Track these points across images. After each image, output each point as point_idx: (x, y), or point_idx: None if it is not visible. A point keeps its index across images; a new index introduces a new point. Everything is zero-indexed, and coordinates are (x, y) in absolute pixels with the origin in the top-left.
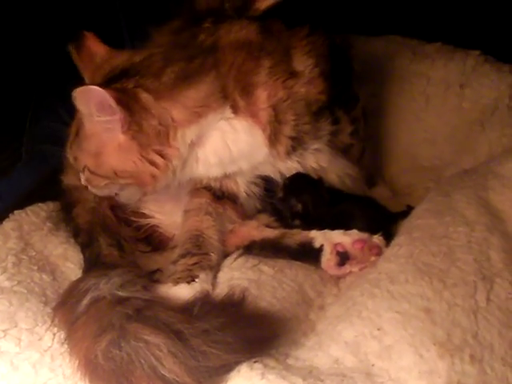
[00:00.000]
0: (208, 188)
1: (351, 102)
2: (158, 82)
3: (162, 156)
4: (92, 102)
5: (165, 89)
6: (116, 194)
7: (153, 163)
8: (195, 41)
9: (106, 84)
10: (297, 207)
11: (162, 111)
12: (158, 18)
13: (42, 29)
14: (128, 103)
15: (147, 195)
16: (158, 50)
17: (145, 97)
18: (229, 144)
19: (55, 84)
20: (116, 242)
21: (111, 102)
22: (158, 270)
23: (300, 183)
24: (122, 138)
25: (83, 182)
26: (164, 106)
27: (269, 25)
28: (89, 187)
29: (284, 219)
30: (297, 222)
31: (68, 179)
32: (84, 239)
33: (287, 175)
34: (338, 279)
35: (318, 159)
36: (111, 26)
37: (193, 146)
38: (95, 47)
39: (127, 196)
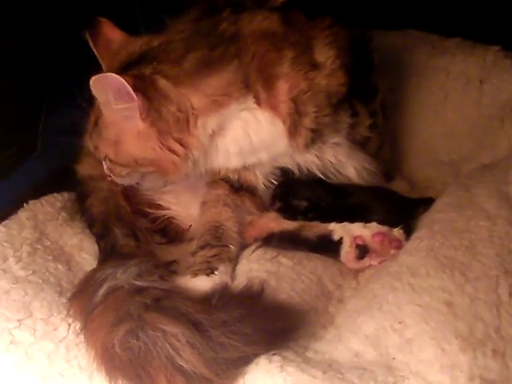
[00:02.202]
0: (226, 179)
1: (370, 95)
2: (178, 68)
3: (182, 144)
4: (109, 90)
5: (185, 75)
6: (137, 183)
7: (172, 151)
8: (217, 29)
9: (123, 70)
10: (301, 205)
11: (182, 98)
12: (173, 7)
13: (56, 16)
14: (146, 90)
15: (168, 185)
16: (178, 36)
17: (163, 83)
18: (250, 134)
19: (72, 72)
20: (131, 233)
21: (128, 88)
22: (174, 261)
23: (291, 186)
24: (141, 125)
25: (106, 171)
26: (183, 92)
27: (290, 15)
28: (111, 176)
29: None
30: (310, 215)
31: (83, 169)
32: (99, 230)
33: (305, 168)
34: (356, 272)
35: (336, 153)
36: (126, 14)
37: (213, 135)
38: (111, 33)
39: (149, 185)
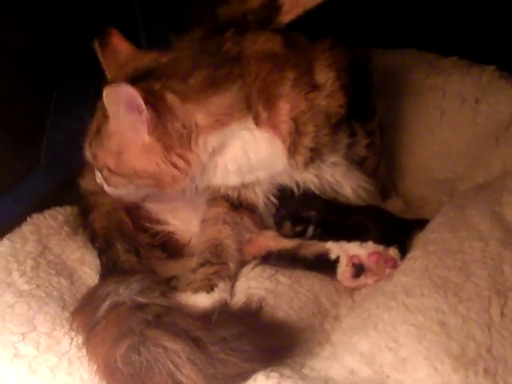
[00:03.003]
0: (225, 197)
1: (368, 115)
2: (185, 84)
3: (184, 160)
4: (121, 100)
5: (191, 92)
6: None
7: (175, 166)
8: (221, 49)
9: (131, 83)
10: (310, 215)
11: (187, 114)
12: (175, 24)
13: (60, 29)
14: (155, 104)
15: (162, 202)
16: (185, 54)
17: (171, 98)
18: (249, 153)
19: (76, 86)
20: (133, 248)
21: (140, 101)
22: (174, 277)
23: (297, 201)
24: (147, 138)
25: (98, 180)
26: (189, 109)
27: (292, 37)
28: (104, 186)
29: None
30: (318, 230)
31: (86, 183)
32: (101, 244)
33: (303, 186)
34: (352, 291)
35: (334, 172)
36: (128, 29)
37: (213, 153)
38: (120, 45)
39: (141, 197)
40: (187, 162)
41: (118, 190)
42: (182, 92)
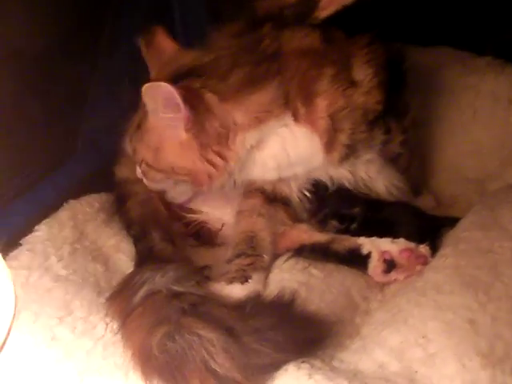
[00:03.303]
0: (261, 190)
1: (403, 112)
2: (224, 84)
3: (221, 157)
4: (159, 98)
5: (230, 91)
6: (167, 191)
7: (211, 163)
8: (259, 46)
9: (173, 81)
10: (354, 212)
11: (225, 113)
12: (212, 17)
13: (98, 14)
14: (193, 102)
15: (197, 196)
16: (224, 52)
17: (210, 97)
18: (287, 150)
19: (112, 73)
20: (168, 237)
21: (178, 99)
22: (207, 266)
23: (338, 201)
24: (184, 135)
25: (138, 174)
26: (227, 108)
27: (330, 33)
28: (144, 180)
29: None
30: (354, 226)
31: (121, 172)
32: (137, 232)
33: (337, 182)
34: (383, 286)
35: (368, 169)
36: (165, 21)
37: (252, 149)
38: (165, 43)
39: (178, 193)
40: (224, 159)
41: (157, 184)
42: (220, 91)
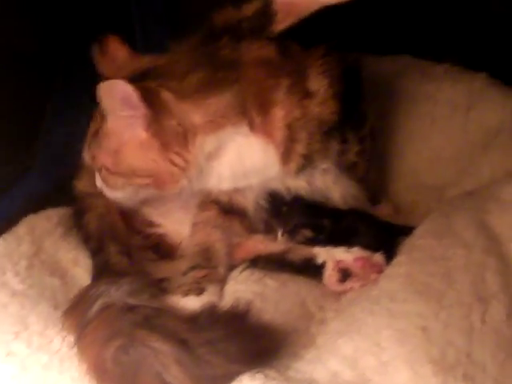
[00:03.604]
0: (216, 201)
1: (360, 122)
2: (181, 84)
3: (182, 158)
4: (116, 97)
5: (187, 91)
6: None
7: (172, 163)
8: (218, 54)
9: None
10: (324, 222)
11: (183, 113)
12: (172, 30)
13: (56, 30)
14: (151, 101)
15: (157, 207)
16: (183, 56)
17: (167, 95)
18: (243, 159)
19: (72, 88)
20: (125, 250)
21: (135, 97)
22: (165, 278)
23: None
24: (143, 135)
25: (99, 184)
26: (185, 108)
27: (286, 45)
28: (103, 189)
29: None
30: (322, 236)
31: (81, 185)
32: (94, 246)
33: (294, 192)
34: (339, 295)
35: (324, 179)
36: (126, 34)
37: (210, 156)
38: (119, 51)
39: (139, 202)
40: (185, 160)
41: (117, 192)
42: (178, 91)
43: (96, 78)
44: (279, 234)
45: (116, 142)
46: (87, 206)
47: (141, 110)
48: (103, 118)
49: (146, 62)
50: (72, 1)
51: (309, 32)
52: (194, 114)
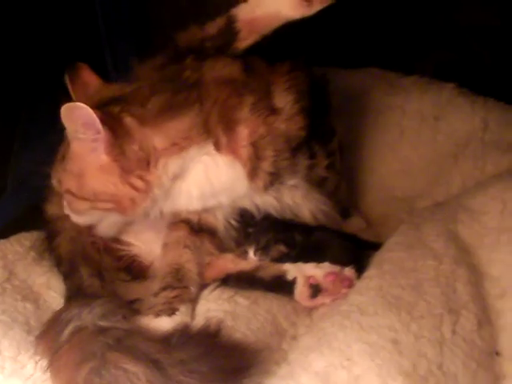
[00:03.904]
0: (186, 221)
1: (328, 136)
2: (143, 109)
3: (143, 181)
4: (78, 120)
5: (149, 116)
6: (94, 225)
7: (133, 187)
8: (181, 76)
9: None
10: (296, 237)
11: (144, 137)
12: (141, 51)
13: (26, 55)
14: (112, 125)
15: (125, 228)
16: (146, 83)
17: (129, 120)
18: (211, 178)
19: (41, 113)
20: (97, 272)
21: (96, 121)
22: (138, 299)
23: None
24: (104, 158)
25: (65, 208)
26: (147, 132)
27: (250, 62)
28: (70, 214)
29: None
30: (295, 251)
31: (52, 209)
32: (66, 269)
33: (263, 209)
34: (310, 310)
35: (293, 195)
36: (96, 57)
37: (175, 177)
38: (89, 78)
39: (106, 226)
40: (147, 183)
41: (83, 216)
42: (139, 115)
43: (68, 102)
44: (251, 252)
45: (79, 165)
46: (58, 229)
47: (102, 134)
48: (69, 142)
49: (114, 89)
50: (43, 27)
51: (275, 48)
52: (156, 138)
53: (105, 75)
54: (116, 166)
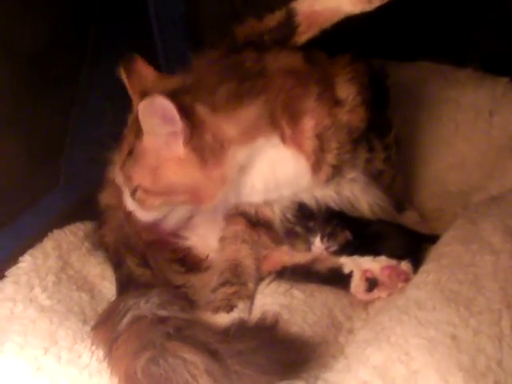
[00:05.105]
0: (243, 214)
1: (385, 129)
2: (213, 97)
3: (218, 173)
4: (157, 113)
5: (219, 104)
6: (162, 219)
7: (209, 178)
8: (243, 66)
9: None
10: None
11: (216, 125)
12: (193, 43)
13: (79, 46)
14: (188, 115)
15: (193, 218)
16: (209, 71)
17: (201, 109)
18: (275, 171)
19: (94, 104)
20: (143, 262)
21: (174, 111)
22: (193, 292)
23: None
24: (182, 150)
25: (129, 207)
26: (218, 120)
27: (312, 54)
28: (136, 211)
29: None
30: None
31: (104, 198)
32: (113, 259)
33: (322, 202)
34: (366, 304)
35: (352, 188)
36: (147, 49)
37: (242, 169)
38: (145, 70)
39: (170, 221)
40: (221, 173)
41: (151, 212)
42: (210, 103)
43: (118, 94)
44: (317, 241)
45: (154, 159)
46: (106, 219)
47: (180, 124)
48: (137, 136)
49: (175, 80)
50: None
51: (330, 40)
52: (227, 126)
53: (157, 68)
54: (194, 156)
